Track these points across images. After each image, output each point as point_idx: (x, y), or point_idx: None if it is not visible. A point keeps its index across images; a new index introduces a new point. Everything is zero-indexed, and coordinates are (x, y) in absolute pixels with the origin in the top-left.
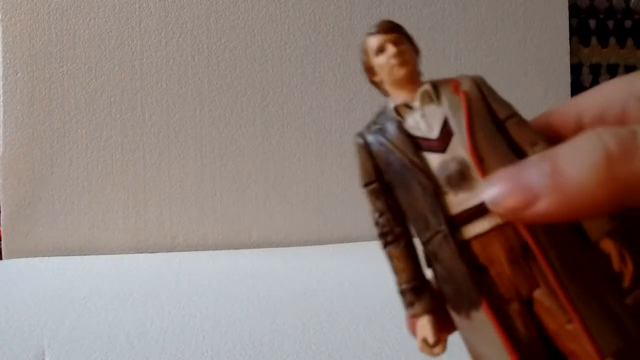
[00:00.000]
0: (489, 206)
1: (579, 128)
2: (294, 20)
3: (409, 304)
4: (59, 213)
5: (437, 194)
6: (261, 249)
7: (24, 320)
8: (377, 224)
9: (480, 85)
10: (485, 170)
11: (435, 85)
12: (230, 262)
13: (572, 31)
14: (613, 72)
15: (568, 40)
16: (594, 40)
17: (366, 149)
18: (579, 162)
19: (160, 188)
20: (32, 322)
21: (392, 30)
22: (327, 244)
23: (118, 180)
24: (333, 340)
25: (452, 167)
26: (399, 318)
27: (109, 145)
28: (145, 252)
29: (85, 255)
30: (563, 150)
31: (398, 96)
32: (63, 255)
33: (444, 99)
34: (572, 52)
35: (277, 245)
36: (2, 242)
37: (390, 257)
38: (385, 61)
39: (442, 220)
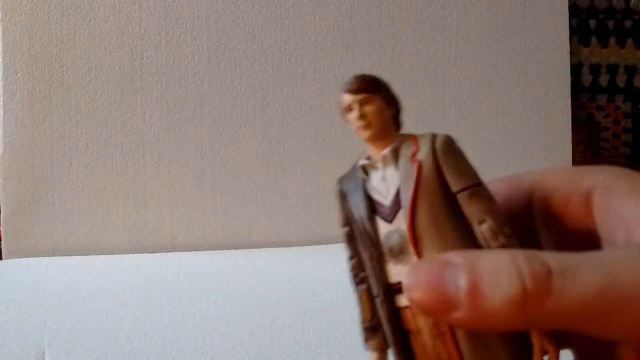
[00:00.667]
0: (408, 295)
1: (528, 201)
2: (294, 20)
3: (364, 339)
4: (59, 213)
5: (379, 261)
6: (261, 249)
7: (24, 320)
8: (349, 264)
9: (438, 153)
10: (419, 250)
11: (396, 150)
12: (230, 262)
13: (572, 31)
14: (613, 72)
15: (568, 40)
16: (594, 40)
17: (342, 196)
18: (496, 289)
19: (160, 188)
20: (32, 322)
21: (360, 90)
22: (327, 244)
23: (118, 180)
24: (333, 340)
25: (395, 240)
26: None
27: (109, 145)
28: (145, 252)
29: (85, 255)
30: (484, 266)
31: (370, 150)
32: (63, 255)
33: (401, 166)
34: (572, 52)
35: (277, 245)
36: (2, 242)
37: (357, 295)
38: (353, 119)
39: (381, 286)
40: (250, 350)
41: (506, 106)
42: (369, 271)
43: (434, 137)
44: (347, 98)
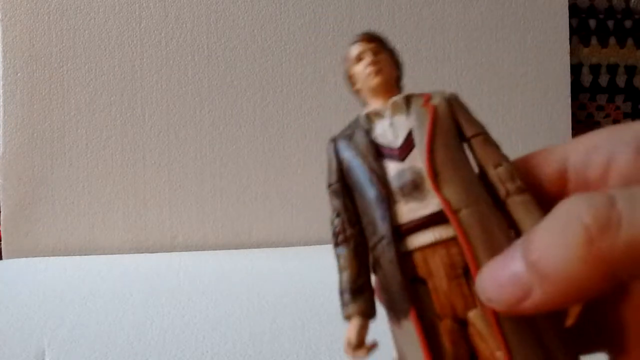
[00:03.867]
0: (487, 303)
1: (560, 173)
2: (294, 20)
3: (344, 304)
4: (59, 213)
5: (388, 201)
6: (261, 249)
7: (24, 320)
8: (332, 223)
9: (451, 101)
10: (438, 185)
11: (408, 98)
12: (230, 262)
13: (572, 31)
14: (613, 72)
15: (568, 40)
16: (594, 40)
17: (335, 153)
18: (558, 248)
19: (160, 188)
20: (32, 322)
21: (373, 40)
22: (327, 244)
23: (118, 180)
24: (333, 340)
25: (407, 176)
26: None
27: (109, 145)
28: (145, 252)
29: (85, 255)
30: (540, 236)
31: (373, 104)
32: (63, 255)
33: (413, 111)
34: (572, 52)
35: (277, 245)
36: (2, 242)
37: (338, 257)
38: (362, 69)
39: (388, 227)
40: (250, 350)
41: (506, 106)
42: (370, 216)
43: (443, 92)
44: (358, 47)
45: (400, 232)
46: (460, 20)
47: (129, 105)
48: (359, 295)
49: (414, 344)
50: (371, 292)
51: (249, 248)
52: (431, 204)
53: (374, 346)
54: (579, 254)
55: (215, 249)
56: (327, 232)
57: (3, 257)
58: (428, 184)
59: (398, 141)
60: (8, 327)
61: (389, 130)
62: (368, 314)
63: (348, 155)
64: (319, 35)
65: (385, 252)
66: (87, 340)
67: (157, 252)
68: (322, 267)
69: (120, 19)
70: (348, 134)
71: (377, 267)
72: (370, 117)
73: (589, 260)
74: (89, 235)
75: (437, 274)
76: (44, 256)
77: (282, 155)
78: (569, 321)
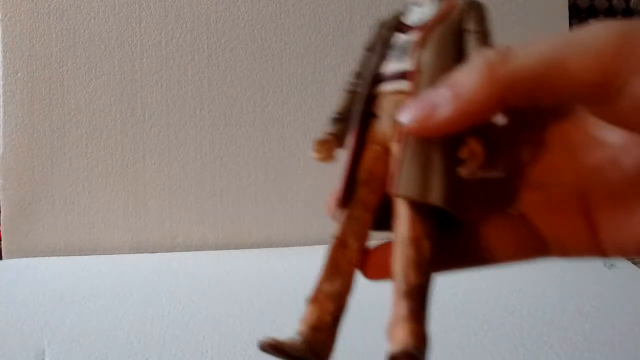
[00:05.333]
0: (403, 125)
1: None
2: (294, 20)
3: (327, 127)
4: (59, 213)
5: (381, 59)
6: (261, 249)
7: (24, 320)
8: (352, 75)
9: (473, 5)
10: (420, 52)
11: None
12: (230, 262)
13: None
14: None
15: None
16: None
17: (376, 27)
18: (467, 72)
19: (160, 188)
20: (32, 322)
21: None
22: (327, 244)
23: (118, 180)
24: None
25: (403, 44)
26: None
27: (109, 145)
28: (145, 252)
29: (85, 255)
30: (459, 69)
31: None
32: (63, 255)
33: (440, 4)
34: None
35: (277, 245)
36: (2, 242)
37: (343, 95)
38: None
39: (370, 74)
40: (250, 351)
41: None
42: (369, 68)
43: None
44: None
45: (379, 79)
46: None
47: (129, 105)
48: (339, 122)
49: (347, 155)
50: (347, 125)
51: (249, 248)
52: (407, 64)
53: (330, 157)
54: (481, 76)
55: (215, 249)
56: (327, 232)
57: (3, 257)
58: (413, 52)
59: (414, 22)
60: (8, 327)
61: (416, 15)
62: (339, 137)
63: (380, 28)
64: (319, 35)
65: (361, 90)
66: (87, 340)
67: (157, 252)
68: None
69: (120, 19)
70: (388, 18)
71: (354, 103)
72: (408, 5)
73: (487, 81)
74: (89, 235)
75: (385, 112)
76: (44, 256)
77: (282, 155)
78: (465, 171)
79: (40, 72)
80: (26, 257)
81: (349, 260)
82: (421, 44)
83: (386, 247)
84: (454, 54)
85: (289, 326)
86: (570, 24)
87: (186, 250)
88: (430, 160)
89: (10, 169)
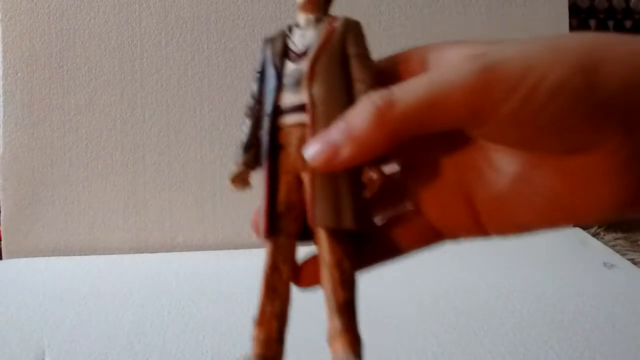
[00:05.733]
0: (309, 162)
1: (420, 65)
2: (293, 20)
3: (236, 156)
4: (59, 213)
5: (279, 89)
6: (261, 249)
7: (24, 320)
8: (250, 98)
9: (349, 26)
10: (311, 85)
11: (320, 18)
12: (230, 262)
13: (572, 31)
14: None
15: None
16: None
17: (262, 50)
18: (360, 117)
19: (160, 188)
20: (32, 322)
21: None
22: None
23: (118, 180)
24: None
25: (294, 74)
26: (398, 317)
27: (109, 145)
28: (145, 252)
29: (85, 255)
30: (351, 112)
31: (299, 18)
32: (63, 255)
33: (320, 28)
34: None
35: None
36: (2, 242)
37: (243, 124)
38: None
39: (271, 107)
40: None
41: None
42: (268, 99)
43: (349, 18)
44: None
45: (279, 111)
46: (460, 20)
47: (129, 105)
48: (249, 149)
49: (264, 189)
50: (257, 150)
51: (249, 248)
52: (303, 97)
53: (246, 185)
54: (371, 120)
55: (215, 249)
56: None
57: (3, 257)
58: (305, 83)
59: (301, 49)
60: (8, 327)
61: (300, 40)
62: (251, 165)
63: (268, 53)
64: None
65: (265, 124)
66: (87, 340)
67: (157, 252)
68: None
69: (120, 19)
70: (273, 38)
71: (258, 129)
72: (292, 27)
73: (378, 124)
74: (89, 235)
75: (291, 143)
76: (44, 256)
77: None
78: (368, 194)
79: (40, 72)
80: (26, 257)
81: (283, 282)
82: (310, 77)
83: (312, 260)
84: (341, 82)
85: (288, 326)
86: (570, 24)
87: (186, 250)
88: (337, 188)
89: (10, 169)
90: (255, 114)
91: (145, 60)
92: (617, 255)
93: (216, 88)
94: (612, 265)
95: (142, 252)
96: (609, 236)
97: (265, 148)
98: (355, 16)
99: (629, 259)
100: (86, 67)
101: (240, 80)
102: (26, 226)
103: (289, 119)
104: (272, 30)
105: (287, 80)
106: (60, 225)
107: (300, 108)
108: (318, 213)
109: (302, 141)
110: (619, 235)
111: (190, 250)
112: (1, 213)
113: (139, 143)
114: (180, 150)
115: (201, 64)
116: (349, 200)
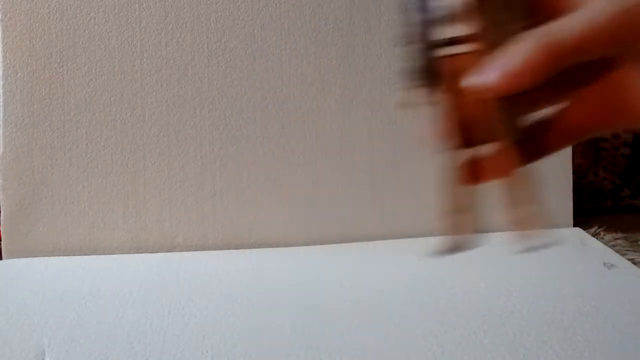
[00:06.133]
0: (480, 87)
1: None
2: (293, 20)
3: (410, 77)
4: (59, 213)
5: (439, 20)
6: (261, 249)
7: (24, 320)
8: (410, 28)
9: None
10: (476, 15)
11: None
12: (230, 262)
13: None
14: None
15: None
16: None
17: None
18: (525, 49)
19: (160, 188)
20: (32, 322)
21: None
22: (327, 244)
23: (118, 180)
24: (333, 340)
25: (458, 4)
26: (398, 318)
27: (109, 145)
28: (145, 252)
29: (85, 255)
30: (516, 45)
31: None
32: (63, 255)
33: None
34: None
35: (277, 245)
36: (2, 242)
37: (408, 49)
38: None
39: (428, 37)
40: (250, 351)
41: None
42: (426, 32)
43: None
44: None
45: (441, 43)
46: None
47: (129, 105)
48: (420, 73)
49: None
50: (425, 75)
51: (249, 248)
52: (465, 28)
53: (418, 105)
54: (538, 53)
55: (215, 249)
56: (327, 232)
57: (3, 257)
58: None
59: None
60: (8, 327)
61: None
62: (424, 85)
63: None
64: (319, 35)
65: (423, 54)
66: (87, 340)
67: (157, 252)
68: (322, 267)
69: (120, 19)
70: None
71: (419, 59)
72: None
73: (544, 56)
74: (89, 235)
75: (457, 72)
76: (44, 256)
77: (282, 155)
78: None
79: (40, 72)
80: (26, 257)
81: (470, 177)
82: (476, 7)
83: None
84: (504, 14)
85: (289, 326)
86: None
87: (186, 250)
88: (509, 107)
89: (10, 169)
90: (419, 42)
91: (145, 60)
92: (617, 255)
93: (216, 88)
94: (612, 265)
95: (142, 252)
96: (609, 236)
97: (431, 73)
98: (356, 16)
99: (629, 259)
100: (86, 67)
101: (240, 80)
102: (26, 226)
103: (450, 50)
104: (272, 30)
105: (447, 11)
106: (60, 225)
107: (460, 40)
108: (501, 128)
109: (466, 70)
110: (619, 235)
111: (190, 250)
112: (1, 213)
113: (139, 143)
114: (180, 150)
115: (201, 64)
116: (511, 116)
